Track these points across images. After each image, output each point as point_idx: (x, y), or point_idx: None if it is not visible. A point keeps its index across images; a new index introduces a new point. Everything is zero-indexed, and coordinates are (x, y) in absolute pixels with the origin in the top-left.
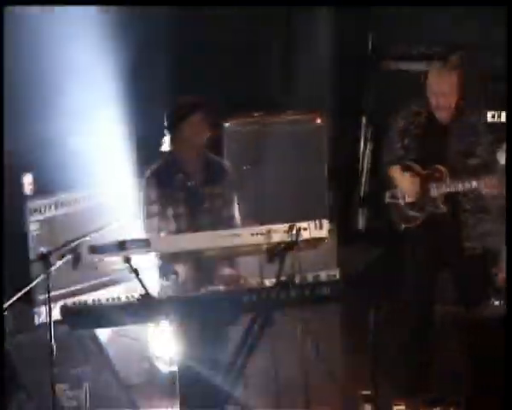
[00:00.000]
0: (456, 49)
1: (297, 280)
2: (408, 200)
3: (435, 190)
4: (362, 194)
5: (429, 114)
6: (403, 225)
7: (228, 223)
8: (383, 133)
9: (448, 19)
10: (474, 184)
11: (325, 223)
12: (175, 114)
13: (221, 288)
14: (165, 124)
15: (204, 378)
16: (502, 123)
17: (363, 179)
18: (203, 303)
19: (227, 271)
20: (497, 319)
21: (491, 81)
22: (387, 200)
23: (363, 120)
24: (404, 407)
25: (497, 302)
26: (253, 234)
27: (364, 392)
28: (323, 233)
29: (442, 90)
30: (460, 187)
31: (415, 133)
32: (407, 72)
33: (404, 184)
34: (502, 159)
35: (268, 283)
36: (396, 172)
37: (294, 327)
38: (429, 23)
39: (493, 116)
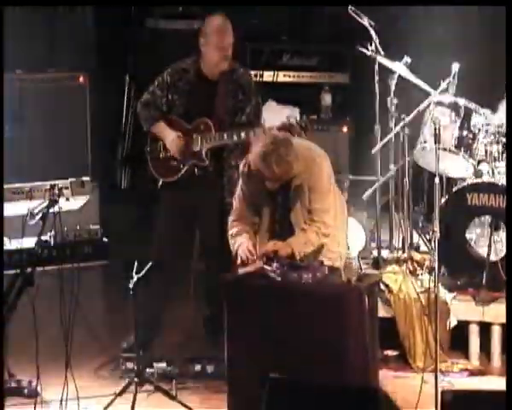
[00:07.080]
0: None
1: (58, 239)
2: (169, 154)
3: (199, 144)
4: (124, 152)
5: (198, 70)
6: (161, 181)
7: None
8: (147, 90)
9: None
10: (242, 136)
11: (87, 181)
12: None
13: None
14: None
15: None
16: (264, 82)
17: (127, 137)
18: None
19: None
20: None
21: (249, 42)
22: (148, 155)
23: (127, 78)
24: None
25: None
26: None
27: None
28: (85, 192)
29: (222, 44)
30: (226, 140)
31: (182, 89)
32: (174, 30)
33: (168, 138)
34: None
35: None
36: (159, 128)
37: (54, 286)
38: None
39: (255, 75)
